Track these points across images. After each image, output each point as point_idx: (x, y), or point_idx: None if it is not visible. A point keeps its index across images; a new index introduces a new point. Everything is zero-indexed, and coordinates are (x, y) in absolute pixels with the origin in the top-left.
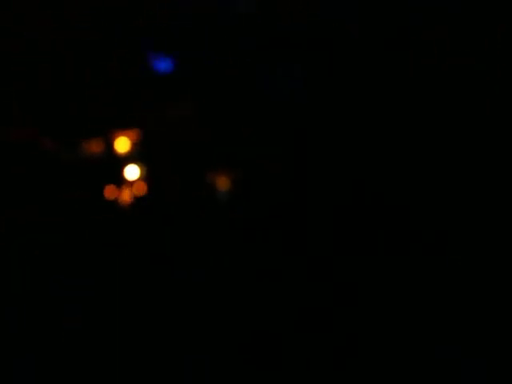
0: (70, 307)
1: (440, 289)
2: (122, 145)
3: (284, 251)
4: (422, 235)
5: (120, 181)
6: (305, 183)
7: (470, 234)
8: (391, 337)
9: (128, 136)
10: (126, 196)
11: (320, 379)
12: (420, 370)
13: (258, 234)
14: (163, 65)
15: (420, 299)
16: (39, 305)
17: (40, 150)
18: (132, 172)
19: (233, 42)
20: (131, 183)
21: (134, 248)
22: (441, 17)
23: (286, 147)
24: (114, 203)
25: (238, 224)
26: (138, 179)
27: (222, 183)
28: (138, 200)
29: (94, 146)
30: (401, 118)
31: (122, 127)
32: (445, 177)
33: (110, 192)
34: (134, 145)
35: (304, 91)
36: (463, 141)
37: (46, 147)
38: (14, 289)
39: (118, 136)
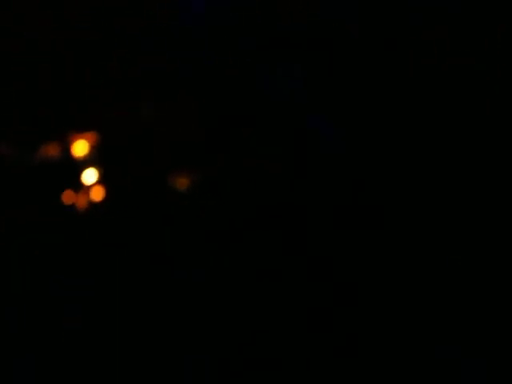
0: (70, 307)
1: (440, 289)
2: (80, 148)
3: (284, 251)
4: (421, 235)
5: (78, 185)
6: (305, 183)
7: (469, 234)
8: (391, 337)
9: (86, 139)
10: (83, 201)
11: (320, 379)
12: (420, 370)
13: (251, 235)
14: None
15: (420, 299)
16: (39, 305)
17: None
18: (90, 176)
19: (232, 41)
20: (89, 188)
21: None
22: (441, 17)
23: (286, 147)
24: (72, 208)
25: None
26: (96, 183)
27: (183, 185)
28: (95, 205)
29: (51, 150)
30: (401, 117)
31: (80, 130)
32: (445, 176)
33: (67, 197)
34: (92, 148)
35: (304, 91)
36: (463, 141)
37: (2, 152)
38: (14, 289)
39: (75, 139)
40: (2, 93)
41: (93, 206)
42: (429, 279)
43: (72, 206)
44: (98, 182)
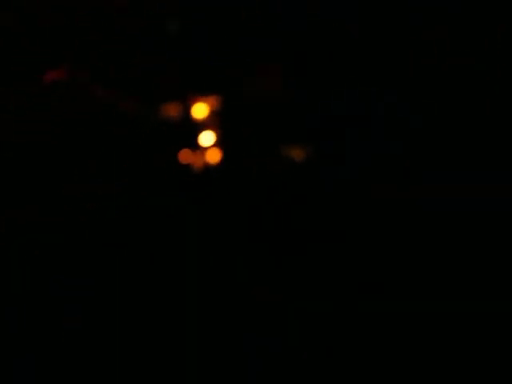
0: (70, 307)
1: (440, 288)
2: (200, 111)
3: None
4: (421, 235)
5: (195, 146)
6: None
7: (469, 234)
8: (391, 336)
9: (206, 102)
10: (199, 162)
11: (320, 379)
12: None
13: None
14: None
15: (420, 300)
16: (39, 305)
17: (119, 110)
18: (207, 138)
19: None
20: (205, 150)
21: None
22: (441, 17)
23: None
24: (188, 168)
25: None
26: (213, 146)
27: (298, 155)
28: (211, 167)
29: (172, 110)
30: (401, 116)
31: (201, 93)
32: (445, 177)
33: (184, 156)
34: (212, 112)
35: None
36: (464, 140)
37: (126, 108)
38: (14, 289)
39: (196, 101)
40: (130, 53)
41: (208, 167)
42: (429, 281)
43: (188, 166)
44: (215, 146)
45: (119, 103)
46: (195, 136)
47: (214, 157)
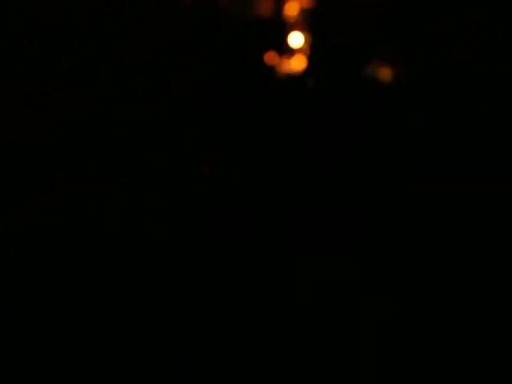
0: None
1: (439, 287)
2: (293, 9)
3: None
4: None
5: (283, 46)
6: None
7: (470, 234)
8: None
9: (299, 1)
10: (285, 66)
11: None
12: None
13: None
14: None
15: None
16: (39, 304)
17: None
18: (297, 39)
19: None
20: (294, 52)
21: None
22: (447, 12)
23: None
24: (274, 70)
25: None
26: (302, 48)
27: (385, 74)
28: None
29: (265, 6)
30: (407, 113)
31: None
32: (445, 177)
33: (271, 58)
34: (304, 11)
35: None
36: (466, 139)
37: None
38: (14, 289)
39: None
40: None
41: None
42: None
43: (273, 68)
44: (302, 49)
45: None
46: (285, 36)
47: (299, 64)
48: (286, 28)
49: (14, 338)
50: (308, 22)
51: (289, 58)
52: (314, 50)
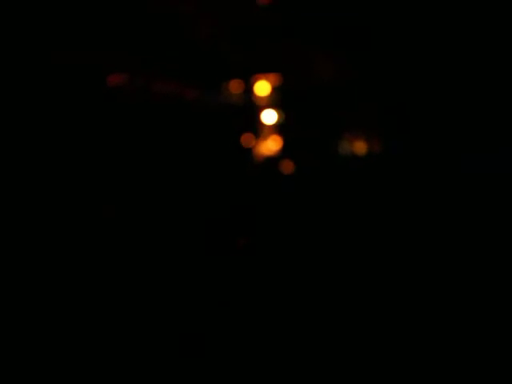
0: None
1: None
2: (262, 89)
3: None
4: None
5: (257, 125)
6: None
7: (469, 234)
8: (390, 336)
9: (268, 80)
10: (262, 148)
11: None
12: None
13: None
14: None
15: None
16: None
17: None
18: (270, 117)
19: None
20: (268, 130)
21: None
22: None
23: None
24: (250, 152)
25: None
26: (275, 124)
27: (360, 148)
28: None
29: (234, 88)
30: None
31: (263, 71)
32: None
33: (246, 140)
34: (274, 89)
35: None
36: (466, 139)
37: (190, 97)
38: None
39: (258, 79)
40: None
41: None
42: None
43: (249, 150)
44: (277, 126)
45: (182, 93)
46: (258, 115)
47: (275, 144)
48: (258, 107)
49: (14, 338)
50: (279, 99)
51: (264, 139)
52: (287, 127)
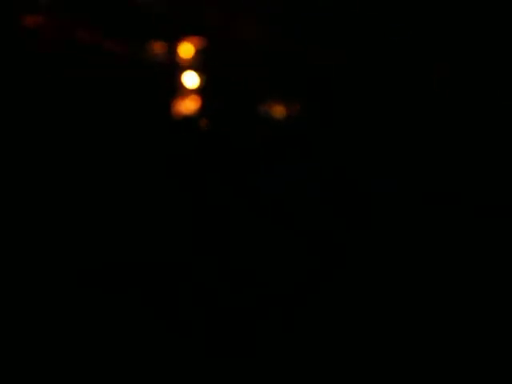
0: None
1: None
2: (186, 51)
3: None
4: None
5: (178, 87)
6: None
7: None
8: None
9: (192, 43)
10: (180, 106)
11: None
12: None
13: None
14: None
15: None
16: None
17: (104, 51)
18: (191, 80)
19: None
20: (188, 91)
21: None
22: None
23: None
24: (169, 110)
25: None
26: (196, 88)
27: (278, 111)
28: (190, 112)
29: (158, 49)
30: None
31: (188, 34)
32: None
33: (166, 98)
34: (197, 52)
35: None
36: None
37: (111, 49)
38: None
39: (182, 42)
40: None
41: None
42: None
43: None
44: (198, 88)
45: (105, 44)
46: (179, 77)
47: (195, 102)
48: (179, 69)
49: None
50: (201, 62)
51: (183, 99)
52: (207, 90)
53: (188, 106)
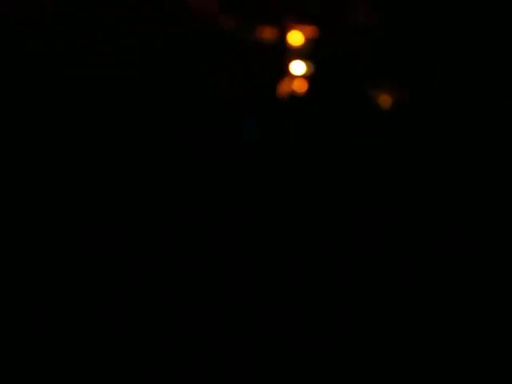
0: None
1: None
2: (296, 38)
3: None
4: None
5: (284, 73)
6: None
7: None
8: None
9: (303, 31)
10: (285, 88)
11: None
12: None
13: None
14: None
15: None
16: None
17: (218, 26)
18: (298, 68)
19: None
20: (294, 78)
21: None
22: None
23: None
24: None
25: None
26: (302, 76)
27: (385, 100)
28: (296, 96)
29: (268, 33)
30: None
31: (300, 21)
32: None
33: (271, 82)
34: (308, 41)
35: None
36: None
37: (225, 25)
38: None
39: (292, 28)
40: None
41: (293, 95)
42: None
43: (275, 92)
44: (304, 76)
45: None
46: (287, 63)
47: (301, 86)
48: (288, 56)
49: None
50: (311, 51)
51: (290, 83)
52: (315, 78)
53: (293, 91)
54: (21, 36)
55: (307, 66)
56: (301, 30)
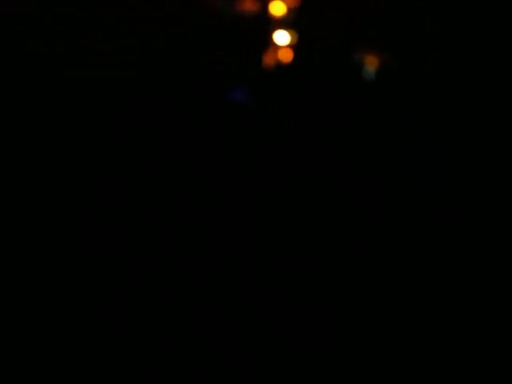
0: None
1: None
2: (278, 8)
3: None
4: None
5: (268, 43)
6: None
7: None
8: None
9: (285, 1)
10: (270, 59)
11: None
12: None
13: None
14: None
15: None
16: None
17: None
18: (282, 37)
19: None
20: (278, 48)
21: None
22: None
23: None
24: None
25: None
26: (287, 46)
27: (371, 63)
28: (281, 66)
29: (250, 5)
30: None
31: None
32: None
33: (255, 53)
34: (290, 10)
35: None
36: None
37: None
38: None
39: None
40: None
41: (279, 65)
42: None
43: (260, 62)
44: (289, 45)
45: None
46: (270, 33)
47: (286, 56)
48: (271, 26)
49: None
50: (294, 20)
51: (274, 53)
52: (299, 47)
53: (278, 61)
54: (21, 36)
55: (291, 35)
56: (282, 0)
